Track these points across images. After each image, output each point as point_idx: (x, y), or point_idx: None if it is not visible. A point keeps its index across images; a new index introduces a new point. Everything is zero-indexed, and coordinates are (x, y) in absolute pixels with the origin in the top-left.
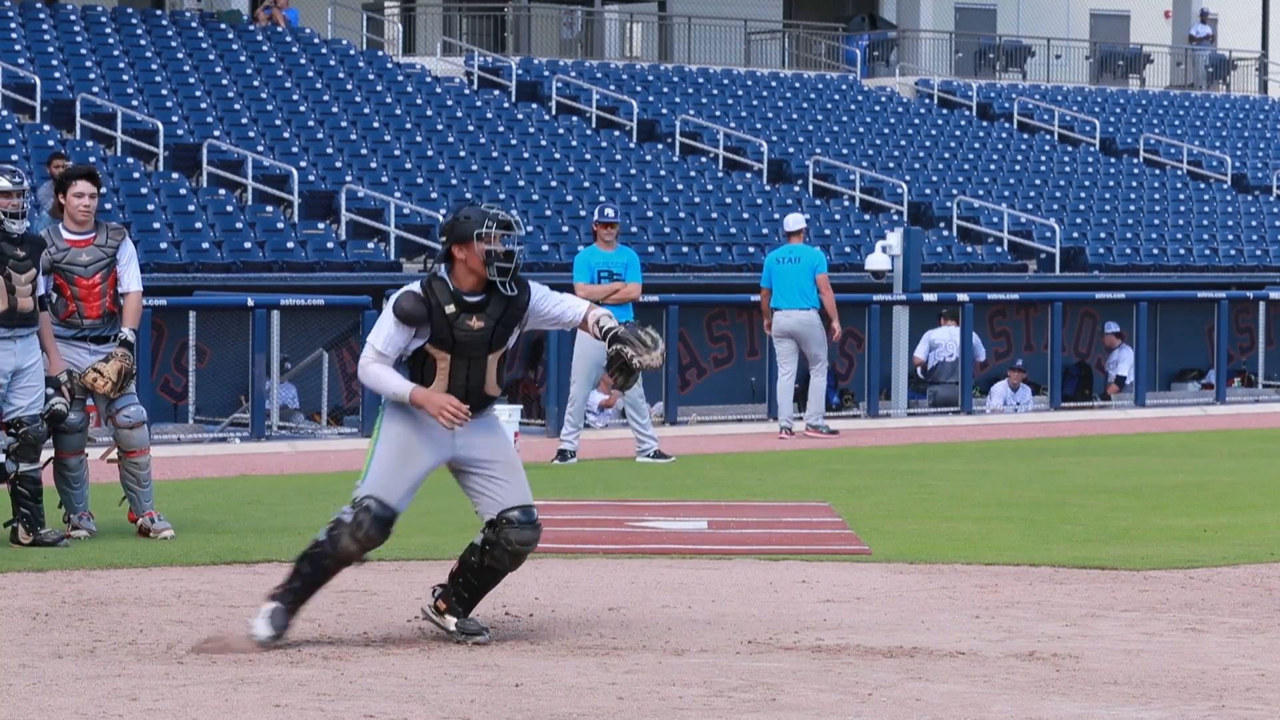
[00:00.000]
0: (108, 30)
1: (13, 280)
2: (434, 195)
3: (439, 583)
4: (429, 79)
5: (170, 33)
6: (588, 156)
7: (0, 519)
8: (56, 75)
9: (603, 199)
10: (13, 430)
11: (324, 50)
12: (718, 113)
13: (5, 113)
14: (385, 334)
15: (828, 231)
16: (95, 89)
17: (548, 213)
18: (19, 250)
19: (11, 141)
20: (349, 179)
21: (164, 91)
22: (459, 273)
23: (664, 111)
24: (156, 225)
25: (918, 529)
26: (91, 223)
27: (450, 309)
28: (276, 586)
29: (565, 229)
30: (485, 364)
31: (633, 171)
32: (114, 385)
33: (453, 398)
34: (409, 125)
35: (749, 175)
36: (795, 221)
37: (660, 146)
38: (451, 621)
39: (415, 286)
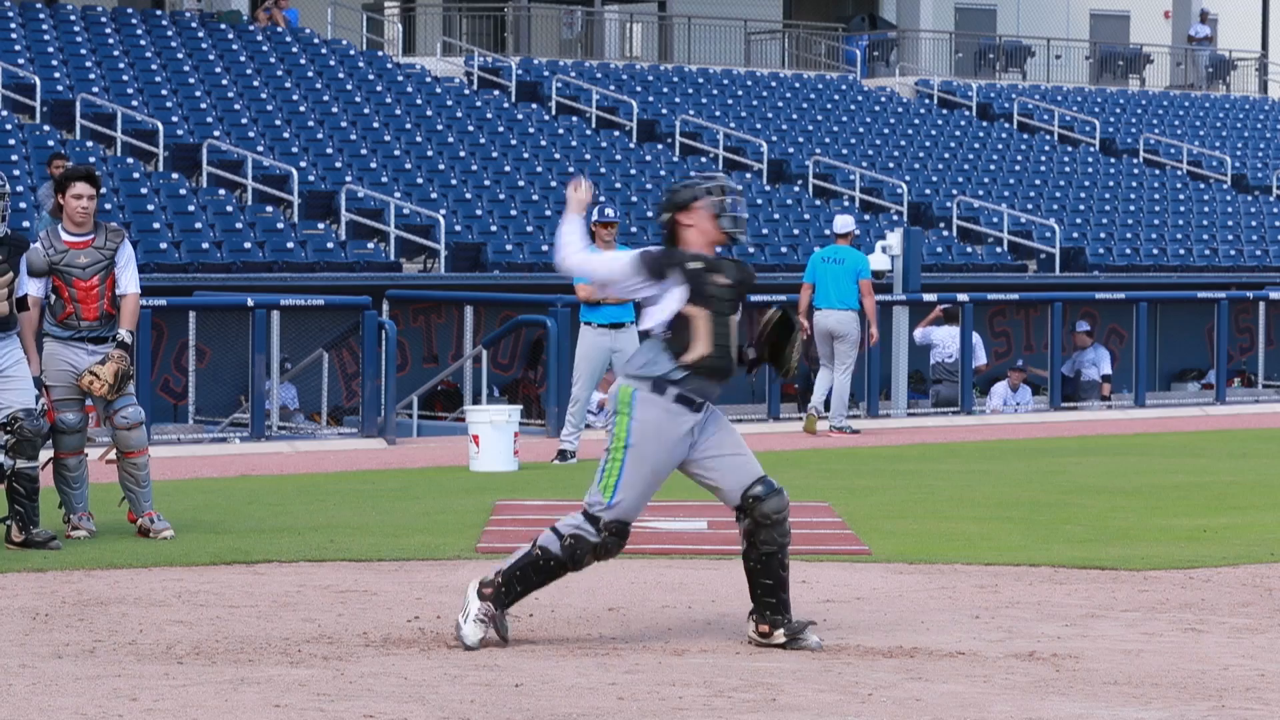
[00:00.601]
0: (108, 30)
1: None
2: (434, 195)
3: (749, 615)
4: (429, 79)
5: (170, 33)
6: (588, 156)
7: None
8: (56, 75)
9: (603, 199)
10: (8, 428)
11: (324, 50)
12: (718, 113)
13: (5, 113)
14: (615, 259)
15: (828, 232)
16: (95, 89)
17: (547, 213)
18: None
19: (11, 141)
20: (349, 179)
21: (164, 91)
22: (692, 239)
23: (664, 111)
24: (156, 225)
25: (918, 529)
26: (90, 224)
27: (697, 264)
28: (491, 587)
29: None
30: (730, 326)
31: (633, 171)
32: (110, 387)
33: (579, 184)
34: (409, 125)
35: (749, 175)
36: (844, 224)
37: (660, 146)
38: (780, 636)
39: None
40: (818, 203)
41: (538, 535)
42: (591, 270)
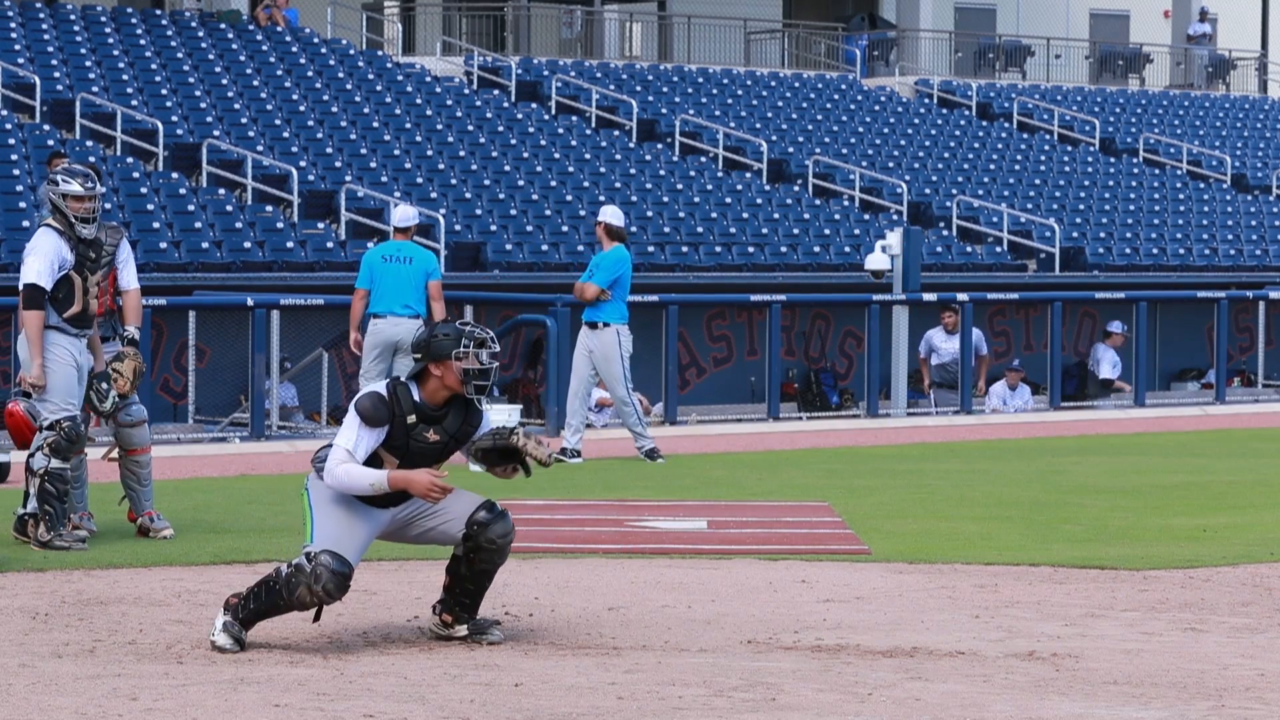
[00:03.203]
0: (107, 30)
1: (87, 282)
2: (434, 195)
3: (436, 600)
4: (429, 79)
5: (170, 33)
6: (587, 156)
7: (6, 516)
8: (56, 75)
9: (603, 199)
10: (53, 427)
11: (324, 50)
12: (717, 112)
13: (5, 113)
14: (354, 436)
15: (827, 231)
16: (95, 89)
17: (547, 213)
18: (90, 253)
19: (11, 141)
20: (349, 179)
21: (164, 91)
22: (430, 386)
23: (664, 111)
24: (156, 225)
25: (918, 529)
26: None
27: (411, 419)
28: (234, 597)
29: (565, 229)
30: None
31: (632, 171)
32: (131, 385)
33: (431, 473)
34: (409, 125)
35: (749, 175)
36: (405, 215)
37: (660, 146)
38: (462, 629)
39: (380, 388)
40: (817, 202)
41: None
42: (344, 474)
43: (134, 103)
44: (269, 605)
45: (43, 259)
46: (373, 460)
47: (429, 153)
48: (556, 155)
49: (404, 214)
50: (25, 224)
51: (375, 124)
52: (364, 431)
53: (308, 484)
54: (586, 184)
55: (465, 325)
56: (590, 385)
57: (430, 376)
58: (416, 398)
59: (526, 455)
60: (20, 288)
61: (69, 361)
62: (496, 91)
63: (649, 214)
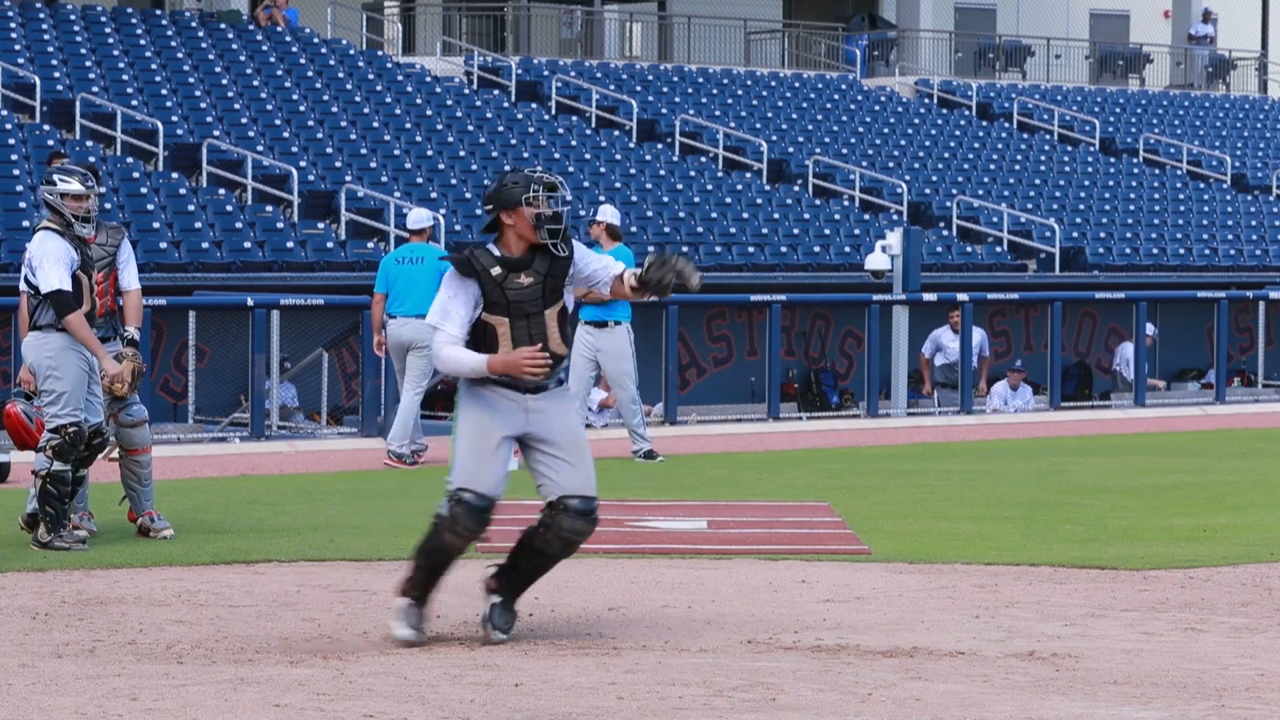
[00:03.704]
0: (107, 30)
1: (91, 281)
2: (434, 195)
3: (496, 562)
4: (429, 79)
5: (170, 33)
6: (588, 156)
7: (6, 516)
8: (56, 75)
9: (603, 199)
10: (58, 430)
11: (324, 50)
12: (717, 113)
13: (5, 113)
14: (444, 306)
15: (828, 231)
16: (95, 89)
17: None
18: (88, 252)
19: (11, 141)
20: (349, 179)
21: (164, 91)
22: (508, 239)
23: (664, 111)
24: (156, 225)
25: (918, 529)
26: (93, 222)
27: (496, 270)
28: (402, 581)
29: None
30: (544, 320)
31: (633, 171)
32: (130, 386)
33: (525, 349)
34: (409, 125)
35: (749, 175)
36: (420, 218)
37: (660, 146)
38: (495, 599)
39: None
40: (818, 202)
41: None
42: (448, 359)
43: (134, 103)
44: (430, 565)
45: (57, 263)
46: (485, 330)
47: (429, 153)
48: (556, 155)
49: (418, 216)
50: (25, 224)
51: (375, 124)
52: (451, 298)
53: (458, 400)
54: (586, 184)
55: (534, 171)
56: (590, 386)
57: (505, 228)
58: (497, 252)
59: (685, 279)
60: (32, 296)
61: (81, 365)
62: (496, 91)
63: (649, 214)
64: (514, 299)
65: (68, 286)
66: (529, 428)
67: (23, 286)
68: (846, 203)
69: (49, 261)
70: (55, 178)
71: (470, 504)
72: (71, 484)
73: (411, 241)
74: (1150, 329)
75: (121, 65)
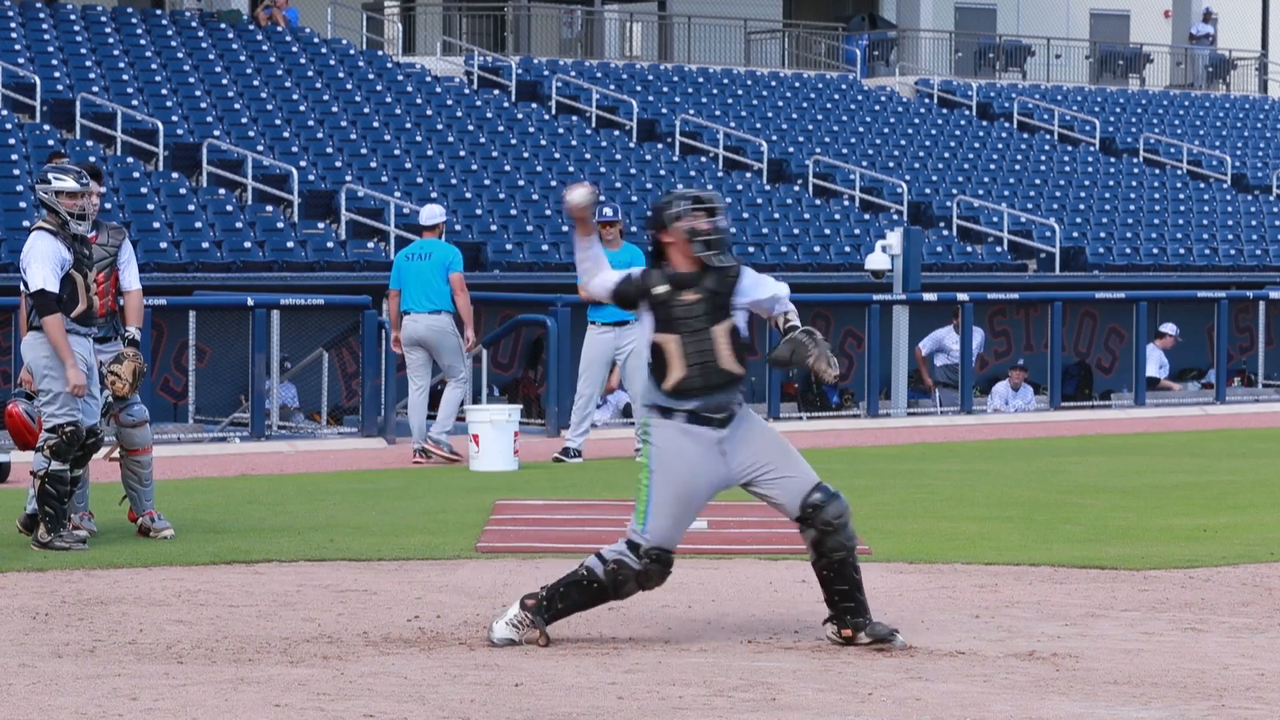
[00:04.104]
0: (108, 30)
1: (87, 279)
2: (434, 195)
3: (825, 619)
4: (429, 79)
5: (170, 33)
6: (588, 156)
7: (7, 516)
8: (56, 75)
9: (603, 199)
10: (55, 430)
11: (324, 50)
12: (718, 112)
13: (5, 113)
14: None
15: (828, 231)
16: (95, 89)
17: (547, 212)
18: (85, 250)
19: (11, 141)
20: (349, 179)
21: (164, 91)
22: (674, 258)
23: (664, 111)
24: (156, 225)
25: (918, 529)
26: (93, 222)
27: (662, 289)
28: (534, 598)
29: (565, 229)
30: (711, 337)
31: (633, 171)
32: (131, 386)
33: (575, 185)
34: (409, 125)
35: (749, 175)
36: (432, 214)
37: (660, 146)
38: (864, 637)
39: (628, 273)
40: (818, 202)
41: (587, 559)
42: (595, 294)
43: (134, 103)
44: (583, 603)
45: (45, 263)
46: (658, 351)
47: (429, 153)
48: (556, 155)
49: (429, 212)
50: (25, 224)
51: (375, 124)
52: (611, 292)
53: (649, 436)
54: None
55: (686, 190)
56: (603, 388)
57: (667, 248)
58: (669, 271)
59: (817, 374)
60: (28, 296)
61: (80, 364)
62: (496, 91)
63: (649, 213)
64: (679, 315)
65: (52, 287)
66: (731, 471)
67: (22, 288)
68: (847, 203)
69: (37, 261)
70: (50, 176)
71: (666, 564)
72: (69, 483)
73: (424, 237)
74: (1172, 328)
75: (122, 65)
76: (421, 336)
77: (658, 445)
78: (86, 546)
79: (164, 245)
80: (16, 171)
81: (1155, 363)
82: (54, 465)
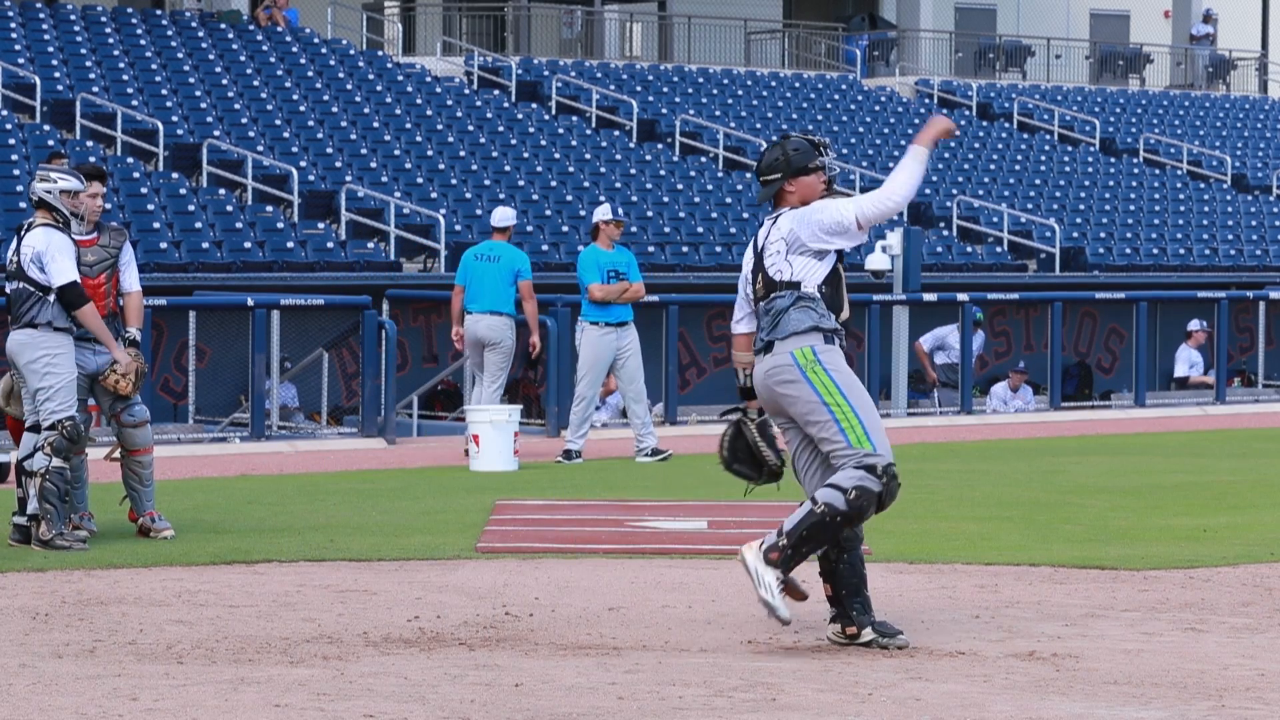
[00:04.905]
0: (108, 30)
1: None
2: (434, 195)
3: (831, 617)
4: (429, 79)
5: (170, 33)
6: (588, 156)
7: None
8: (56, 75)
9: (603, 199)
10: (54, 426)
11: (324, 50)
12: (718, 113)
13: (5, 113)
14: (835, 203)
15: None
16: (95, 89)
17: (548, 213)
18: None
19: (11, 141)
20: (349, 179)
21: (164, 91)
22: (793, 203)
23: (664, 111)
24: (156, 225)
25: (918, 529)
26: (95, 223)
27: None
28: (778, 551)
29: (565, 229)
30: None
31: (633, 171)
32: (134, 386)
33: (940, 119)
34: (409, 125)
35: (749, 175)
36: (504, 216)
37: (660, 146)
38: (869, 633)
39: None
40: None
41: (816, 494)
42: (899, 182)
43: (134, 103)
44: (825, 541)
45: (66, 256)
46: (836, 274)
47: (429, 153)
48: (556, 155)
49: (501, 214)
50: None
51: (375, 124)
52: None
53: (816, 355)
54: (586, 184)
55: (807, 138)
56: (601, 388)
57: (789, 195)
58: None
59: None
60: (56, 290)
61: (73, 362)
62: (496, 91)
63: (649, 214)
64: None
65: (78, 277)
66: None
67: (10, 285)
68: None
69: (61, 255)
70: (53, 174)
71: (897, 478)
72: (68, 479)
73: (493, 239)
74: (1200, 324)
75: (122, 65)
76: (481, 336)
77: (837, 368)
78: (87, 546)
79: (164, 245)
80: (16, 172)
81: (1185, 362)
82: (55, 462)
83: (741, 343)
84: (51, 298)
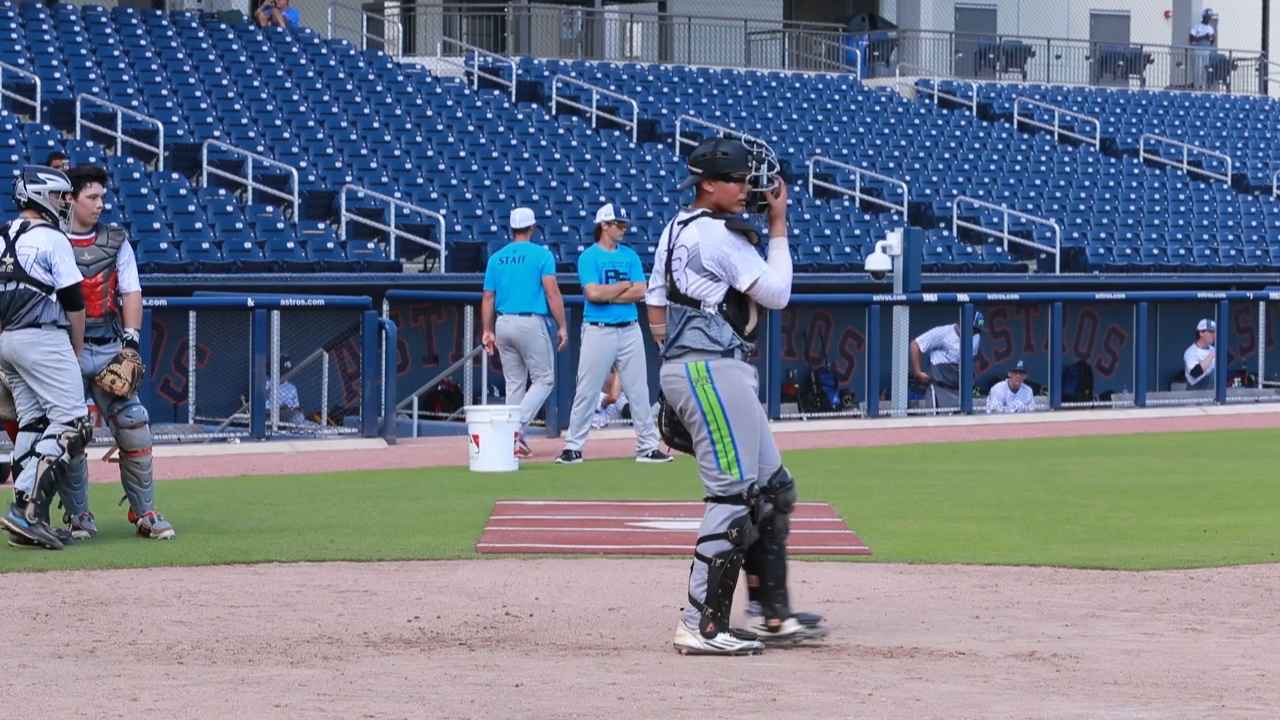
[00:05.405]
0: (108, 30)
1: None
2: (434, 195)
3: (750, 611)
4: (429, 79)
5: (170, 33)
6: (588, 156)
7: None
8: (56, 75)
9: (603, 199)
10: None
11: (324, 50)
12: (718, 113)
13: (5, 113)
14: (751, 259)
15: (828, 232)
16: (95, 89)
17: (548, 213)
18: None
19: (11, 141)
20: (349, 179)
21: (164, 91)
22: (733, 207)
23: (664, 111)
24: (156, 225)
25: (918, 529)
26: (93, 223)
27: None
28: (711, 622)
29: (565, 229)
30: None
31: (633, 171)
32: (130, 387)
33: (783, 194)
34: (409, 125)
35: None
36: (523, 217)
37: (660, 146)
38: (791, 625)
39: (719, 220)
40: (818, 203)
41: (701, 551)
42: (773, 272)
43: (134, 103)
44: (735, 581)
45: (70, 257)
46: (740, 300)
47: (429, 153)
48: (556, 155)
49: (520, 216)
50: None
51: (375, 124)
52: (756, 256)
53: (709, 371)
54: (586, 184)
55: (748, 141)
56: (603, 391)
57: (704, 194)
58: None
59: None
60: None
61: (77, 361)
62: (497, 92)
63: (649, 214)
64: None
65: (80, 278)
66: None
67: (7, 286)
68: (847, 203)
69: (68, 255)
70: (41, 175)
71: (764, 491)
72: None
73: (515, 241)
74: (1210, 324)
75: (122, 65)
76: (512, 337)
77: (728, 384)
78: (62, 547)
79: (164, 246)
80: (16, 172)
81: (1194, 362)
82: (66, 457)
83: (655, 315)
84: (53, 297)
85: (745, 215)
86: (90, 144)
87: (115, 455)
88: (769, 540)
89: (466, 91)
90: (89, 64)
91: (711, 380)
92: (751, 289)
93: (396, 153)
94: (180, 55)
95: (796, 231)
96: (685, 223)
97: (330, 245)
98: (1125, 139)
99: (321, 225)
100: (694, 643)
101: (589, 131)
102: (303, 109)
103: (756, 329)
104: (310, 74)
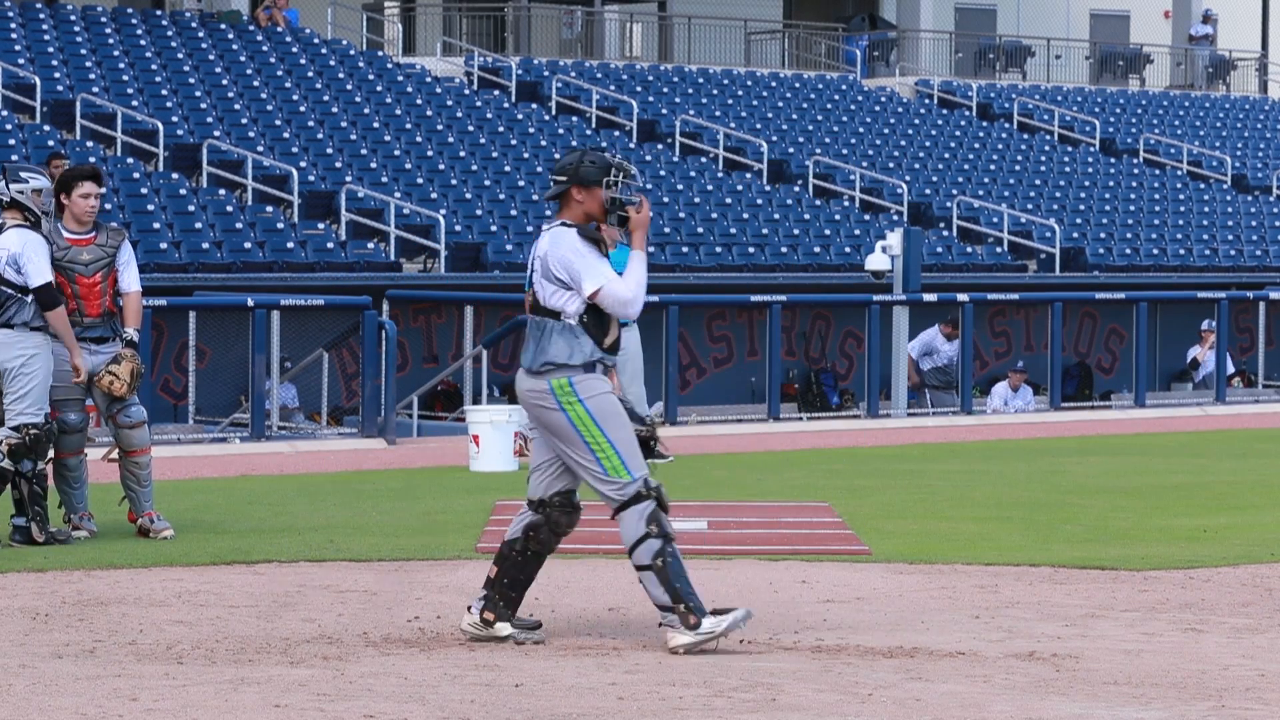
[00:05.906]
0: (108, 30)
1: (72, 279)
2: (434, 195)
3: (475, 604)
4: (429, 79)
5: (170, 33)
6: None
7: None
8: (56, 75)
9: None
10: (17, 430)
11: (324, 50)
12: (718, 113)
13: (5, 113)
14: (597, 266)
15: (828, 232)
16: (95, 89)
17: (547, 213)
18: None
19: (11, 141)
20: (349, 179)
21: (164, 91)
22: (575, 213)
23: (664, 111)
24: (156, 225)
25: (918, 529)
26: (92, 223)
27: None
28: (685, 615)
29: None
30: None
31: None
32: (129, 386)
33: (645, 209)
34: (409, 125)
35: (749, 175)
36: None
37: (660, 146)
38: (505, 628)
39: (573, 229)
40: (818, 203)
41: (638, 563)
42: (628, 284)
43: (134, 103)
44: (682, 579)
45: (42, 257)
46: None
47: (429, 153)
48: (557, 155)
49: None
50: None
51: (375, 124)
52: (597, 258)
53: (573, 387)
54: None
55: (612, 155)
56: None
57: (574, 203)
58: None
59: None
60: (32, 290)
61: (50, 366)
62: (496, 92)
63: (649, 214)
64: None
65: (51, 279)
66: None
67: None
68: (847, 203)
69: (38, 255)
70: (23, 175)
71: (658, 489)
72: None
73: None
74: (1212, 324)
75: (122, 65)
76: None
77: (594, 394)
78: (81, 537)
79: (164, 246)
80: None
81: (1192, 355)
82: (24, 465)
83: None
84: (29, 298)
85: (612, 224)
86: (90, 144)
87: (115, 455)
88: (528, 542)
89: (466, 91)
90: (89, 64)
91: (577, 394)
92: (596, 296)
93: (396, 153)
94: (180, 55)
95: (796, 231)
96: (548, 230)
97: (330, 245)
98: (1125, 139)
99: (321, 225)
100: (686, 640)
101: (589, 131)
102: (302, 109)
103: (616, 342)
104: (310, 74)
